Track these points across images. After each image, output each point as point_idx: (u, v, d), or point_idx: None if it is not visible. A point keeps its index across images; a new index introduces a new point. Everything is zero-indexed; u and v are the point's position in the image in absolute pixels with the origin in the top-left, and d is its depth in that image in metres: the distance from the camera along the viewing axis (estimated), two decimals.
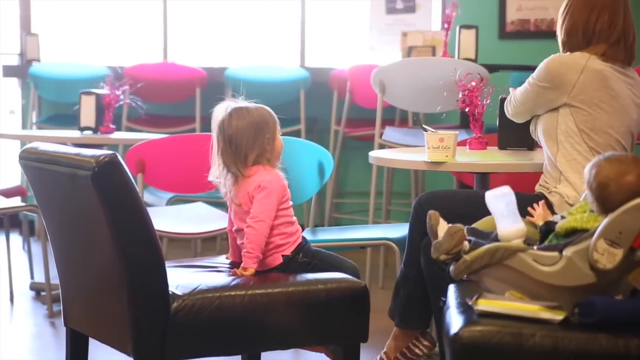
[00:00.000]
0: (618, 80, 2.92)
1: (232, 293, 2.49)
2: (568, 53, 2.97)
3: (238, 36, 6.10)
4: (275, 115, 2.73)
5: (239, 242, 2.72)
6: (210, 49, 6.11)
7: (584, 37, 2.95)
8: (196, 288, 2.47)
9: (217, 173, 2.73)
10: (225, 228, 3.73)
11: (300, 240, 2.72)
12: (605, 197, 2.17)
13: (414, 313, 3.00)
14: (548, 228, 2.33)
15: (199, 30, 6.13)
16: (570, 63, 2.90)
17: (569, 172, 2.87)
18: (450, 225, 2.29)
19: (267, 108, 2.73)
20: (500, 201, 2.31)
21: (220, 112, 2.74)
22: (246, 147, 2.66)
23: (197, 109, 5.44)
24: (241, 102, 2.74)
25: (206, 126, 5.45)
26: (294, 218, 2.74)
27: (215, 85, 5.51)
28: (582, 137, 2.89)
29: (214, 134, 2.73)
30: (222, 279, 2.57)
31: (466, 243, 2.27)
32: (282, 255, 2.70)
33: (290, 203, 2.72)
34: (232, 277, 2.59)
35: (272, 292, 2.54)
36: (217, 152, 2.71)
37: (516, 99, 3.05)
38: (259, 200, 2.64)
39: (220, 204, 4.56)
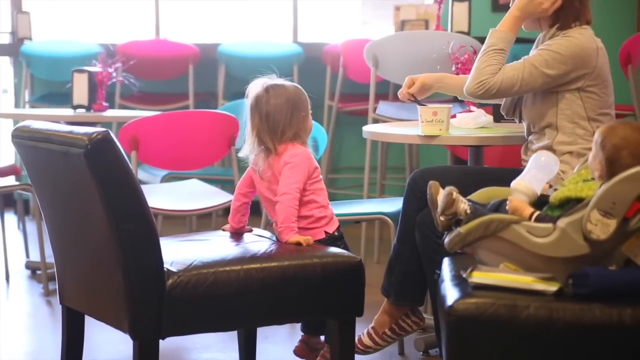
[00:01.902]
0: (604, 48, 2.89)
1: (227, 268, 2.49)
2: (569, 34, 2.82)
3: (230, 12, 6.07)
4: (307, 95, 2.76)
5: (270, 215, 2.77)
6: (202, 25, 6.08)
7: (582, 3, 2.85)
8: (191, 264, 2.47)
9: (249, 149, 2.75)
10: (220, 204, 3.77)
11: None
12: (616, 160, 2.17)
13: (409, 289, 3.00)
14: (541, 200, 2.34)
15: (191, 7, 6.10)
16: (587, 46, 2.79)
17: (568, 157, 2.81)
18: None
19: (300, 87, 2.77)
20: (544, 166, 2.34)
21: (256, 88, 2.74)
22: (283, 124, 2.69)
23: (190, 86, 5.43)
24: (277, 79, 2.76)
25: (200, 103, 5.48)
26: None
27: (208, 61, 5.50)
28: (590, 123, 2.81)
29: (249, 110, 2.74)
30: (217, 254, 2.57)
31: (464, 206, 2.27)
32: (325, 232, 2.74)
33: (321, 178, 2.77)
34: (228, 252, 2.58)
35: (268, 267, 2.54)
36: (252, 128, 2.72)
37: (509, 82, 2.79)
38: (283, 175, 2.69)
39: (214, 181, 4.57)
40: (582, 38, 2.81)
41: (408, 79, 3.12)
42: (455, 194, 2.31)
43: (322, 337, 2.91)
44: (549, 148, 2.81)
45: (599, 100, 2.82)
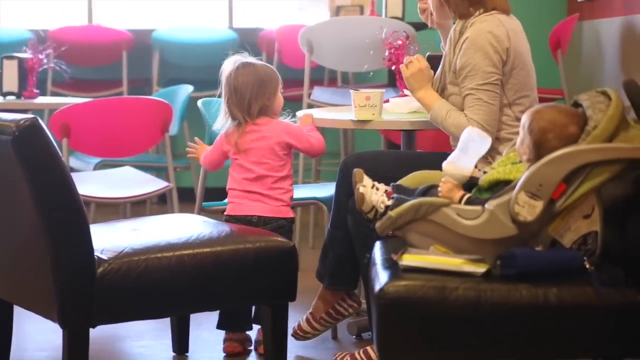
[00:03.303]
0: (522, 31, 2.92)
1: (159, 255, 2.47)
2: (473, 28, 2.82)
3: None
4: (278, 75, 3.03)
5: (256, 190, 2.95)
6: (136, 11, 6.01)
7: None
8: (122, 251, 2.45)
9: (222, 121, 3.00)
10: (154, 191, 3.74)
11: None
12: (542, 142, 2.20)
13: (343, 274, 3.01)
14: (470, 183, 2.36)
15: None
16: (497, 33, 2.80)
17: (494, 142, 2.79)
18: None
19: (272, 67, 3.04)
20: (473, 142, 2.35)
21: (229, 65, 3.00)
22: (249, 98, 2.94)
23: (124, 72, 5.36)
24: (249, 58, 3.02)
25: (134, 89, 5.42)
26: None
27: (142, 47, 5.44)
28: (511, 108, 2.84)
29: (222, 86, 2.99)
30: (149, 240, 2.55)
31: (380, 197, 2.30)
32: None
33: None
34: (160, 239, 2.57)
35: (200, 253, 2.53)
36: (224, 101, 2.99)
37: (486, 118, 2.78)
38: (302, 135, 3.01)
39: (148, 168, 4.52)
40: (486, 26, 2.80)
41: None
42: (362, 189, 2.32)
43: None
44: None
45: (517, 83, 2.84)
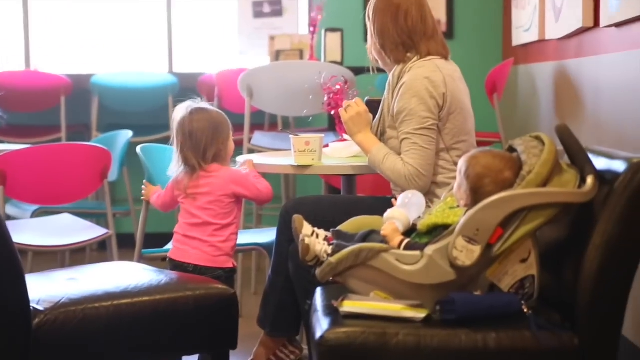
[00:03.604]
0: (461, 76, 2.97)
1: (97, 305, 2.44)
2: (410, 73, 2.88)
3: (104, 42, 5.99)
4: (229, 121, 3.03)
5: (197, 236, 2.93)
6: (74, 56, 5.97)
7: (403, 37, 2.91)
8: (59, 302, 2.41)
9: (175, 168, 2.98)
10: (94, 238, 3.69)
11: None
12: (479, 187, 2.23)
13: (284, 320, 3.00)
14: (411, 227, 2.38)
15: (63, 37, 5.98)
16: (433, 78, 2.84)
17: (433, 187, 2.86)
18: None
19: (223, 113, 3.03)
20: (413, 199, 2.40)
21: (181, 110, 2.99)
22: (205, 143, 2.93)
23: (63, 118, 5.30)
24: (201, 104, 3.01)
25: (72, 135, 5.37)
26: None
27: (81, 92, 5.40)
28: (449, 153, 2.88)
29: (174, 131, 2.98)
30: (87, 290, 2.51)
31: (323, 247, 2.30)
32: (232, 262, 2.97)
33: None
34: (98, 288, 2.53)
35: (139, 302, 2.50)
36: (177, 148, 2.96)
37: (422, 162, 2.81)
38: (250, 184, 2.99)
39: (88, 215, 4.47)
40: (422, 72, 2.85)
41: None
42: (308, 240, 2.33)
43: None
44: None
45: (454, 128, 2.87)
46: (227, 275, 2.94)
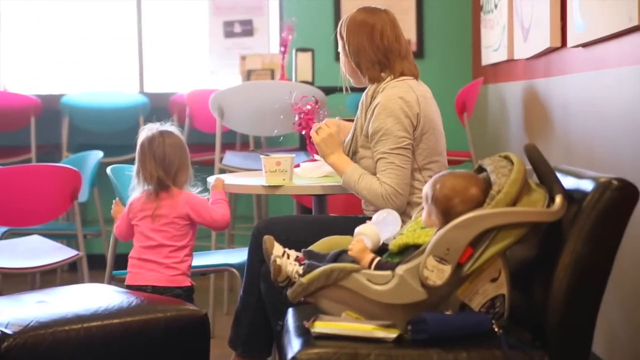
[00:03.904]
0: (432, 97, 2.99)
1: (67, 328, 2.43)
2: (383, 93, 2.89)
3: (74, 62, 5.97)
4: None
5: (153, 258, 2.92)
6: (44, 76, 5.95)
7: (379, 56, 2.92)
8: (28, 325, 2.39)
9: (139, 190, 2.97)
10: (64, 260, 3.66)
11: None
12: (450, 209, 2.24)
13: (256, 341, 2.99)
14: (382, 247, 2.39)
15: (33, 57, 5.96)
16: (407, 98, 2.85)
17: (407, 208, 2.86)
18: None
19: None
20: (388, 218, 2.38)
21: (149, 132, 2.98)
22: (177, 165, 2.95)
23: (33, 138, 5.27)
24: (167, 126, 3.01)
25: (43, 156, 5.33)
26: None
27: (51, 113, 5.38)
28: (422, 173, 2.89)
29: (140, 153, 2.96)
30: (56, 312, 2.50)
31: (294, 268, 2.30)
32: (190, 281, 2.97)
33: None
34: (68, 310, 2.52)
35: (109, 324, 2.49)
36: (143, 170, 2.94)
37: (399, 181, 2.82)
38: (205, 212, 2.98)
39: (58, 236, 4.44)
40: (396, 92, 2.87)
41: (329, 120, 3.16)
42: (279, 261, 2.33)
43: None
44: None
45: (427, 148, 2.89)
46: (186, 294, 2.93)
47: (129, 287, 2.94)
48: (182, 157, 2.97)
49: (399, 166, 2.83)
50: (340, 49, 3.03)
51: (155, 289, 2.89)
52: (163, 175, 2.93)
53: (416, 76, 2.97)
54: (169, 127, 3.02)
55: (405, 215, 2.85)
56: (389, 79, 2.92)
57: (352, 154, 2.99)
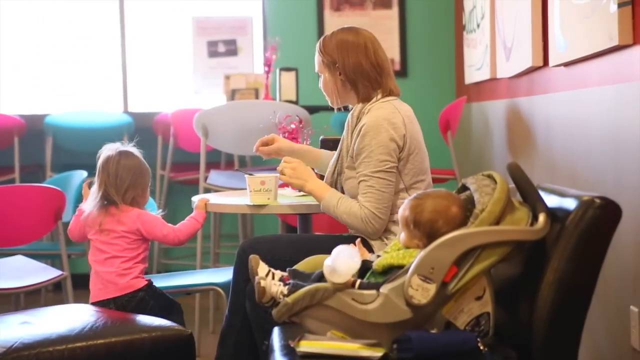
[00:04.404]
0: (414, 116, 2.99)
1: (51, 349, 2.42)
2: (368, 107, 2.91)
3: (58, 82, 5.96)
4: (150, 174, 3.20)
5: (107, 269, 3.04)
6: (28, 96, 5.94)
7: (374, 74, 2.92)
8: (12, 346, 2.38)
9: (93, 204, 3.10)
10: (48, 280, 3.64)
11: None
12: (435, 231, 2.24)
13: None
14: (365, 267, 2.39)
15: (15, 77, 5.95)
16: (393, 120, 2.86)
17: (392, 225, 2.87)
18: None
19: (147, 165, 3.18)
20: (347, 253, 2.33)
21: (109, 151, 3.15)
22: (128, 184, 3.08)
23: (16, 158, 5.26)
24: (129, 147, 3.16)
25: (26, 175, 5.32)
26: None
27: (34, 133, 5.37)
28: (408, 192, 2.89)
29: (99, 169, 3.13)
30: (40, 333, 2.49)
31: (279, 288, 2.30)
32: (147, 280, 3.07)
33: None
34: (52, 331, 2.51)
35: (93, 344, 2.49)
36: (99, 185, 3.10)
37: (378, 205, 2.83)
38: (153, 228, 3.10)
39: (42, 256, 4.42)
40: (382, 113, 2.87)
41: (271, 135, 3.24)
42: (263, 282, 2.33)
43: None
44: None
45: (413, 168, 2.90)
46: (149, 292, 3.05)
47: (94, 304, 3.02)
48: (134, 177, 3.10)
49: (379, 190, 2.84)
50: (322, 69, 3.02)
51: (118, 302, 2.99)
52: (113, 192, 3.07)
53: (398, 95, 2.99)
54: (130, 147, 3.17)
55: (388, 232, 2.86)
56: (374, 99, 2.94)
57: (337, 175, 3.00)
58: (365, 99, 2.95)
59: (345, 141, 2.98)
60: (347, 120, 3.01)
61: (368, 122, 2.87)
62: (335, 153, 3.04)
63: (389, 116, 2.87)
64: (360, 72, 2.94)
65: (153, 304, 3.04)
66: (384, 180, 2.84)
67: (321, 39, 3.03)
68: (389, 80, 2.96)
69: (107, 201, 3.09)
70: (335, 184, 3.01)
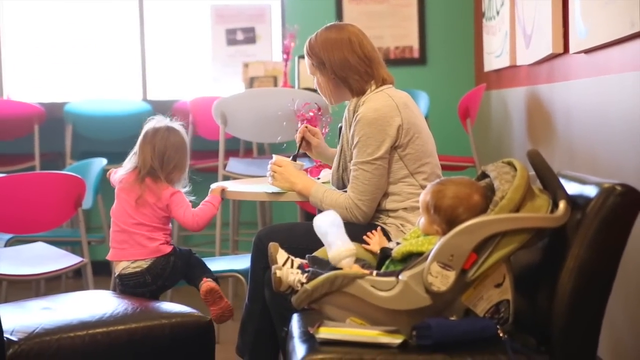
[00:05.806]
0: (412, 101, 2.98)
1: (72, 334, 2.43)
2: (365, 106, 2.89)
3: (77, 70, 5.99)
4: None
5: (135, 231, 3.05)
6: (48, 84, 5.97)
7: (364, 66, 2.93)
8: (33, 331, 2.40)
9: (133, 177, 3.08)
10: (69, 267, 3.67)
11: None
12: (455, 218, 2.24)
13: (262, 348, 2.99)
14: (384, 254, 2.39)
15: (36, 65, 5.98)
16: (386, 111, 2.86)
17: (403, 212, 2.88)
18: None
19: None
20: (326, 223, 2.34)
21: (156, 123, 3.13)
22: (175, 162, 3.07)
23: (36, 146, 5.29)
24: (176, 124, 3.15)
25: (46, 163, 5.35)
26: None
27: (54, 121, 5.39)
28: (414, 177, 2.89)
29: (142, 141, 3.08)
30: (62, 319, 2.51)
31: (297, 277, 2.30)
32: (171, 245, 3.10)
33: None
34: (73, 317, 2.52)
35: (114, 330, 2.50)
36: (138, 153, 3.07)
37: (360, 196, 2.85)
38: (182, 207, 3.09)
39: (62, 243, 4.45)
40: (375, 104, 2.87)
41: (316, 129, 3.27)
42: (279, 272, 2.32)
43: None
44: (384, 210, 2.90)
45: (415, 152, 2.89)
46: (178, 255, 3.07)
47: (126, 276, 3.02)
48: (180, 157, 3.08)
49: (362, 182, 2.86)
50: (313, 71, 3.03)
51: (151, 272, 3.01)
52: (158, 167, 3.05)
53: (393, 82, 2.98)
54: (177, 125, 3.13)
55: (403, 219, 2.86)
56: (368, 91, 2.94)
57: (343, 171, 3.01)
58: (359, 92, 2.96)
59: (345, 136, 2.98)
60: (344, 115, 3.01)
61: (361, 114, 2.88)
62: (337, 149, 3.04)
63: (381, 107, 2.86)
64: (349, 68, 2.94)
65: (181, 264, 3.09)
66: (368, 173, 2.85)
67: (307, 41, 3.05)
68: (380, 69, 2.96)
69: (146, 172, 3.07)
70: (342, 180, 3.02)
